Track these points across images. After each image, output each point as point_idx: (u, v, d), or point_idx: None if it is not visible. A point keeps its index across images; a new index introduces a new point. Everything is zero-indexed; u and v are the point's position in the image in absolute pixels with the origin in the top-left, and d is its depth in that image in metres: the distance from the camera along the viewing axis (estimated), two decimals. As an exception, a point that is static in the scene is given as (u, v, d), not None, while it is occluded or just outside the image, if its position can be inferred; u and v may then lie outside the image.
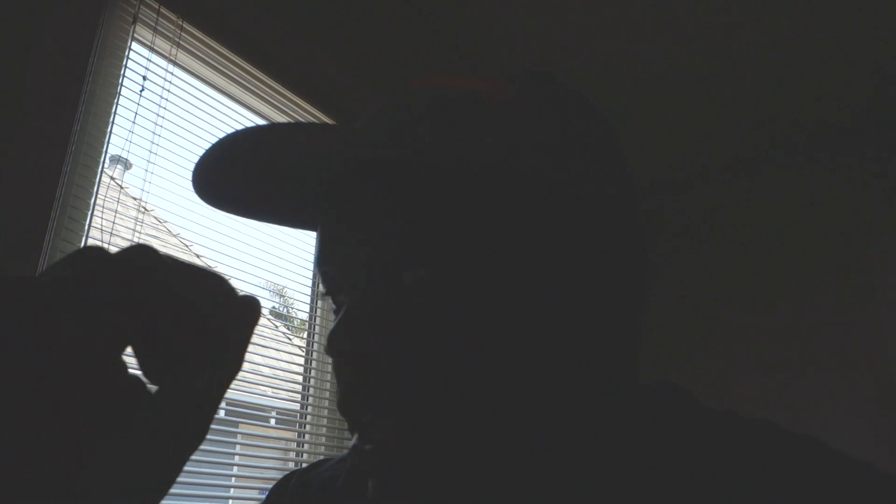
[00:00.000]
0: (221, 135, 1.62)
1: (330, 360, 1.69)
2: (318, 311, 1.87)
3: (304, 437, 1.78)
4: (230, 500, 1.58)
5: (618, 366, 0.38)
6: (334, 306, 0.40)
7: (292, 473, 0.51)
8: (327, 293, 0.41)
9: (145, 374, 0.26)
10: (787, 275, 2.47)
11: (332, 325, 0.40)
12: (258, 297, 0.29)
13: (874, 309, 2.27)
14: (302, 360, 1.83)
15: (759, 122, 2.40)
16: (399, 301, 0.35)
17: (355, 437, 0.36)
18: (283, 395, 1.75)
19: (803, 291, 2.41)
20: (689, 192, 2.75)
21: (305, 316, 1.87)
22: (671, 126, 2.43)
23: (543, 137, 0.36)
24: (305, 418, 1.78)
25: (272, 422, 1.76)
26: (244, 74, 1.73)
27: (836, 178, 2.47)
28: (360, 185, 0.36)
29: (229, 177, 0.40)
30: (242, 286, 1.73)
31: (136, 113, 1.44)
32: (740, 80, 2.18)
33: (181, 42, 1.56)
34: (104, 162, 1.38)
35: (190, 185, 0.39)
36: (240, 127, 1.70)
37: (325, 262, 0.39)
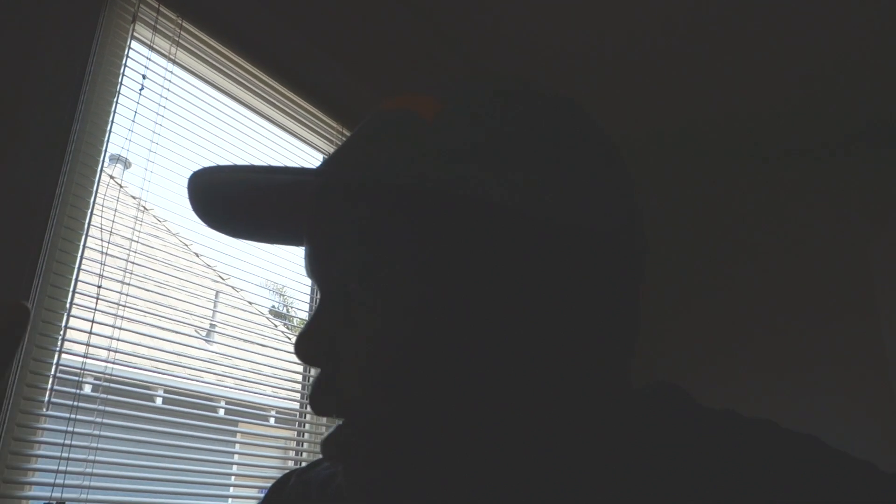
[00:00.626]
0: (221, 133, 1.62)
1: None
2: (318, 311, 1.86)
3: (303, 435, 1.78)
4: (230, 499, 1.58)
5: (612, 367, 0.38)
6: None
7: (291, 473, 0.51)
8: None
9: None
10: (787, 275, 2.47)
11: None
12: (28, 307, 0.29)
13: (875, 309, 2.27)
14: (301, 360, 1.83)
15: (763, 122, 2.40)
16: (346, 310, 0.38)
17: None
18: (283, 394, 1.75)
19: (804, 292, 2.41)
20: (688, 192, 2.75)
21: (305, 315, 1.87)
22: (674, 125, 2.43)
23: (469, 149, 0.35)
24: (305, 417, 1.78)
25: (272, 421, 1.76)
26: (244, 73, 1.73)
27: (837, 178, 2.47)
28: (317, 206, 0.40)
29: (218, 208, 0.43)
30: (242, 285, 1.73)
31: (135, 112, 1.44)
32: (741, 82, 2.18)
33: (181, 41, 1.56)
34: (104, 161, 1.37)
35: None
36: (239, 127, 1.70)
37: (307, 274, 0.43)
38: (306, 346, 0.38)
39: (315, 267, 0.40)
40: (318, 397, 0.37)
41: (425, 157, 0.35)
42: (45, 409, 1.21)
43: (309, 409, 1.77)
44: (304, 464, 1.80)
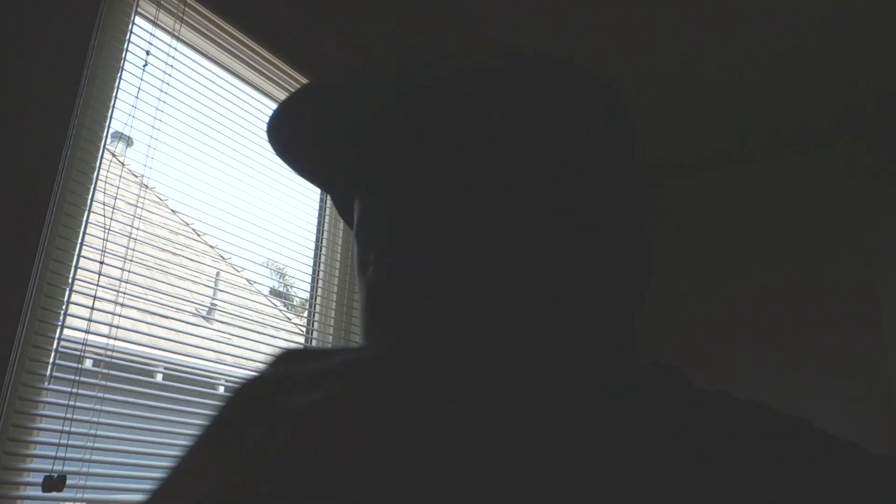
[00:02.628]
0: (225, 112, 1.61)
1: (330, 339, 1.68)
2: (319, 291, 1.87)
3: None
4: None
5: (621, 344, 0.39)
6: (374, 267, 0.40)
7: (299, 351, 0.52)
8: (376, 254, 0.41)
9: None
10: (786, 260, 2.47)
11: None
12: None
13: (873, 294, 2.27)
14: (302, 340, 1.84)
15: (762, 109, 2.39)
16: (476, 259, 0.36)
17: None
18: (283, 373, 1.75)
19: (803, 277, 2.42)
20: (690, 178, 2.75)
21: (306, 295, 1.88)
22: (674, 113, 2.42)
23: (596, 113, 0.40)
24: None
25: (271, 399, 1.77)
26: (248, 51, 1.72)
27: (836, 163, 2.46)
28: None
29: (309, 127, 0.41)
30: (243, 264, 1.74)
31: (138, 88, 1.43)
32: (741, 68, 2.16)
33: (185, 17, 1.55)
34: (106, 138, 1.37)
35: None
36: (243, 105, 1.69)
37: (388, 220, 0.40)
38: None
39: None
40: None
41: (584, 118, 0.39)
42: (46, 384, 1.22)
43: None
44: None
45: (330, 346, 1.85)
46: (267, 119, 0.41)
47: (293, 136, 0.41)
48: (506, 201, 0.36)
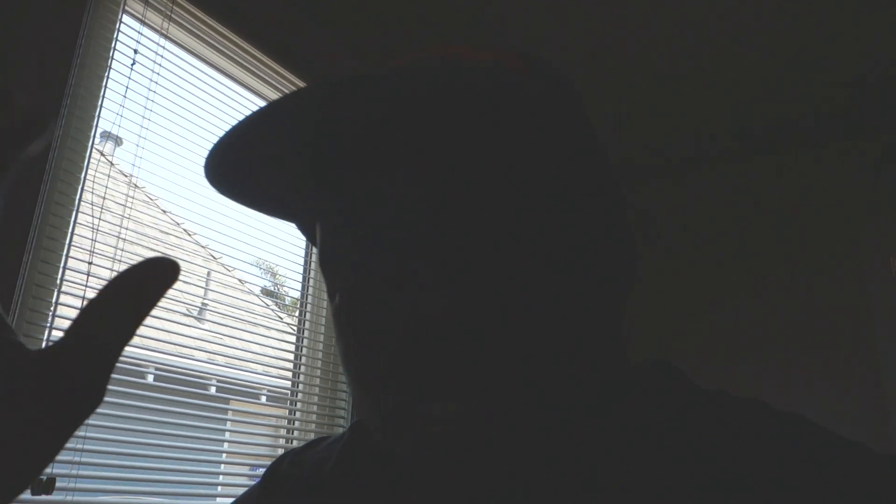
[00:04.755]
0: (213, 111, 1.60)
1: (322, 338, 1.67)
2: (310, 290, 1.87)
3: (294, 414, 1.79)
4: (220, 476, 1.59)
5: (611, 345, 0.39)
6: (350, 289, 0.37)
7: (288, 453, 0.51)
8: (354, 272, 0.38)
9: None
10: (778, 259, 2.48)
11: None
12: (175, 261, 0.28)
13: (865, 293, 2.29)
14: (293, 339, 1.84)
15: (752, 108, 2.40)
16: (473, 264, 0.34)
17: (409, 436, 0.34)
18: (274, 373, 1.75)
19: (795, 276, 2.43)
20: (682, 178, 2.76)
21: (297, 295, 1.87)
22: (664, 113, 2.43)
23: (564, 109, 0.39)
24: (296, 396, 1.79)
25: (263, 399, 1.76)
26: (236, 49, 1.71)
27: (828, 162, 2.47)
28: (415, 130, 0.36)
29: (244, 163, 0.37)
30: (234, 264, 1.73)
31: (126, 87, 1.42)
32: (732, 68, 2.17)
33: (173, 16, 1.54)
34: (94, 137, 1.36)
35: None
36: (231, 104, 1.68)
37: (365, 233, 0.37)
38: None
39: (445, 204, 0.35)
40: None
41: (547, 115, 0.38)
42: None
43: (300, 388, 1.78)
44: (294, 442, 1.81)
45: (322, 349, 1.85)
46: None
47: (233, 165, 0.37)
48: (476, 203, 0.34)
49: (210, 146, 0.36)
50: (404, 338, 0.33)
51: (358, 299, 0.37)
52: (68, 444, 0.27)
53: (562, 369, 0.34)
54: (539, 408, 0.34)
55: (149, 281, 0.27)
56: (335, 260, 0.38)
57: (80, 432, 1.24)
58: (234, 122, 0.34)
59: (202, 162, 0.37)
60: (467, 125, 0.35)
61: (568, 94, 0.40)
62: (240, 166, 0.37)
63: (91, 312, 0.26)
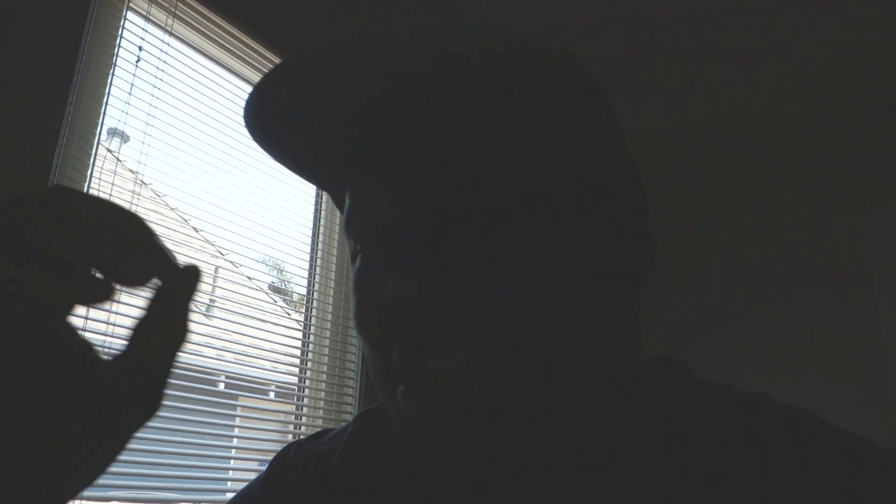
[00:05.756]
0: (219, 108, 1.60)
1: (328, 334, 1.68)
2: (317, 287, 1.87)
3: (302, 409, 1.80)
4: (230, 471, 1.60)
5: (619, 334, 0.39)
6: (363, 258, 0.39)
7: (292, 444, 0.51)
8: (364, 244, 0.39)
9: None
10: (785, 253, 2.47)
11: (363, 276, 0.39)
12: (198, 267, 0.30)
13: (869, 286, 2.27)
14: (300, 335, 1.84)
15: (757, 102, 2.38)
16: (484, 249, 0.34)
17: (403, 387, 0.35)
18: (282, 368, 1.76)
19: (802, 270, 2.42)
20: (688, 171, 2.74)
21: (304, 291, 1.87)
22: (668, 105, 2.41)
23: (588, 101, 0.39)
24: (304, 391, 1.79)
25: (271, 395, 1.77)
26: (241, 46, 1.71)
27: (832, 157, 2.46)
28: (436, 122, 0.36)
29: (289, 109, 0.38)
30: (241, 260, 1.73)
31: (132, 84, 1.42)
32: (734, 63, 2.16)
33: (177, 12, 1.54)
34: (100, 134, 1.36)
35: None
36: (237, 101, 1.68)
37: (371, 208, 0.38)
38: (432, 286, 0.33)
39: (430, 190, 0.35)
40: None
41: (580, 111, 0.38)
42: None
43: (307, 383, 1.78)
44: (303, 437, 1.82)
45: (328, 345, 1.85)
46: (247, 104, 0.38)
47: (274, 119, 0.39)
48: (498, 189, 0.35)
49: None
50: (392, 319, 0.34)
51: (364, 269, 0.38)
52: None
53: (564, 350, 0.34)
54: (538, 382, 0.34)
55: (176, 290, 0.29)
56: (352, 227, 0.39)
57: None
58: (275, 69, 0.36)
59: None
60: (491, 116, 0.36)
61: (595, 91, 0.40)
62: (281, 122, 0.39)
63: (139, 330, 0.29)
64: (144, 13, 1.48)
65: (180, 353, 0.30)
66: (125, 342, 0.29)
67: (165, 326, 0.29)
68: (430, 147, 0.36)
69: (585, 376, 0.35)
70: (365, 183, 0.38)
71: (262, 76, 0.37)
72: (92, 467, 0.28)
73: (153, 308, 0.29)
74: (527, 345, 0.33)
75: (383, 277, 0.35)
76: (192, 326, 0.30)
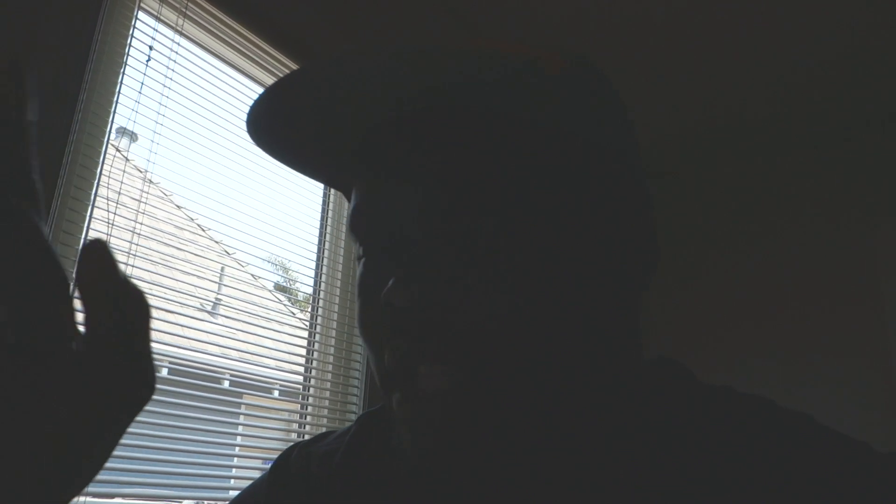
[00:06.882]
0: (228, 108, 1.60)
1: (333, 334, 1.68)
2: (323, 286, 1.87)
3: (306, 408, 1.81)
4: (234, 469, 1.60)
5: (618, 337, 0.39)
6: (364, 260, 0.39)
7: (295, 445, 0.52)
8: (364, 245, 0.40)
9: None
10: (791, 256, 2.46)
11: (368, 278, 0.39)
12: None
13: (876, 294, 2.26)
14: (305, 334, 1.85)
15: (764, 104, 2.38)
16: (479, 255, 0.35)
17: (398, 395, 0.35)
18: (287, 367, 1.76)
19: (806, 273, 2.41)
20: (694, 172, 2.74)
21: (309, 290, 1.88)
22: (675, 108, 2.41)
23: (594, 105, 0.39)
24: (308, 390, 1.80)
25: (276, 394, 1.78)
26: (251, 47, 1.72)
27: (841, 158, 2.45)
28: (428, 129, 0.37)
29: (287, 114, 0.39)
30: (247, 259, 1.74)
31: (142, 83, 1.43)
32: (745, 74, 2.15)
33: (188, 12, 1.55)
34: (110, 133, 1.37)
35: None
36: (246, 101, 1.69)
37: (371, 212, 0.38)
38: (418, 292, 0.33)
39: (416, 198, 0.36)
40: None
41: (578, 116, 0.38)
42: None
43: (312, 382, 1.79)
44: (306, 436, 1.82)
45: (333, 345, 1.85)
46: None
47: (280, 125, 0.39)
48: (500, 194, 0.35)
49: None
50: (386, 324, 0.35)
51: (365, 272, 0.39)
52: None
53: (563, 354, 0.34)
54: (527, 386, 0.34)
55: (97, 265, 0.28)
56: (355, 227, 0.40)
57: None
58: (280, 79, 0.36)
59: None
60: (496, 121, 0.36)
61: (606, 96, 0.40)
62: (281, 127, 0.39)
63: (89, 309, 0.27)
64: (155, 13, 1.49)
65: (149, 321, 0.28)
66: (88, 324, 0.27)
67: (127, 298, 0.28)
68: (434, 151, 0.36)
69: (584, 379, 0.35)
70: (369, 183, 0.39)
71: (269, 85, 0.37)
72: (100, 453, 0.26)
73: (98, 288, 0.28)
74: (523, 350, 0.33)
75: (384, 280, 0.36)
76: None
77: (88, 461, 0.26)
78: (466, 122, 0.36)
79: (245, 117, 0.39)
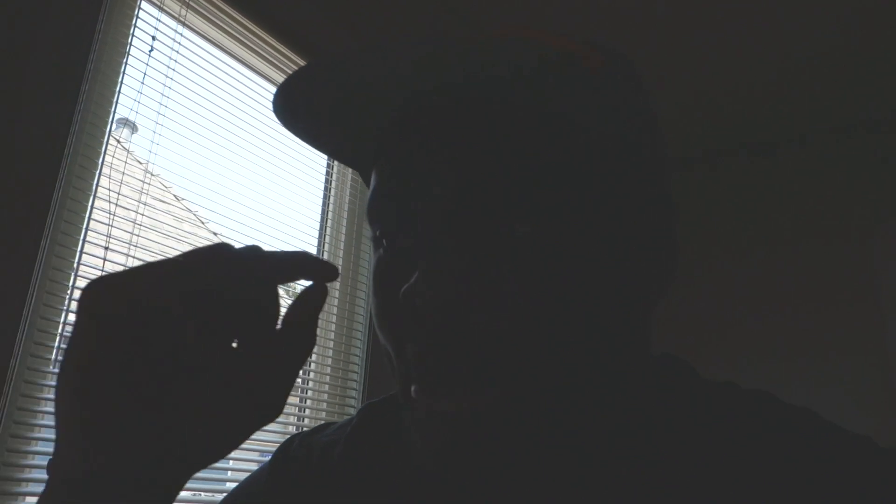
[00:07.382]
0: (230, 99, 1.60)
1: (333, 327, 1.68)
2: (323, 279, 1.87)
3: (305, 402, 1.81)
4: (231, 461, 1.60)
5: (638, 347, 0.39)
6: (384, 249, 0.38)
7: (296, 436, 0.52)
8: (383, 234, 0.38)
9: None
10: (792, 254, 2.46)
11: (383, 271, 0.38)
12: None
13: (875, 295, 2.26)
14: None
15: (767, 108, 2.37)
16: (505, 254, 0.33)
17: (415, 391, 0.35)
18: (286, 360, 1.76)
19: (805, 277, 2.41)
20: (697, 170, 2.73)
21: (308, 283, 1.88)
22: (677, 106, 2.41)
23: (629, 108, 0.39)
24: (307, 383, 1.80)
25: (274, 387, 1.77)
26: (254, 38, 1.72)
27: (840, 164, 2.44)
28: (469, 116, 0.35)
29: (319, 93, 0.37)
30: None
31: (144, 74, 1.43)
32: (742, 71, 2.15)
33: (191, 3, 1.55)
34: (111, 124, 1.37)
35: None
36: (248, 93, 1.69)
37: (400, 198, 0.37)
38: (450, 292, 0.32)
39: (456, 194, 0.34)
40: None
41: (620, 115, 0.38)
42: (51, 369, 1.23)
43: (311, 376, 1.79)
44: (305, 429, 1.82)
45: (333, 338, 1.85)
46: (270, 107, 0.38)
47: (308, 106, 0.38)
48: (526, 188, 0.34)
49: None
50: (409, 318, 0.34)
51: (384, 261, 0.38)
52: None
53: (573, 354, 0.34)
54: (543, 386, 0.34)
55: (312, 307, 0.36)
56: (374, 213, 0.39)
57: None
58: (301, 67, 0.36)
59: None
60: (529, 115, 0.35)
61: (642, 99, 0.40)
62: (313, 104, 0.38)
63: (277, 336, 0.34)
64: (158, 3, 1.48)
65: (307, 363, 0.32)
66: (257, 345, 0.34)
67: (300, 335, 0.34)
68: (464, 143, 0.35)
69: (597, 381, 0.35)
70: (392, 168, 0.37)
71: (296, 70, 0.36)
72: (212, 453, 0.33)
73: (291, 316, 0.34)
74: (542, 351, 0.33)
75: (404, 270, 0.35)
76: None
77: (211, 451, 0.34)
78: (501, 114, 0.35)
79: (277, 91, 0.37)
